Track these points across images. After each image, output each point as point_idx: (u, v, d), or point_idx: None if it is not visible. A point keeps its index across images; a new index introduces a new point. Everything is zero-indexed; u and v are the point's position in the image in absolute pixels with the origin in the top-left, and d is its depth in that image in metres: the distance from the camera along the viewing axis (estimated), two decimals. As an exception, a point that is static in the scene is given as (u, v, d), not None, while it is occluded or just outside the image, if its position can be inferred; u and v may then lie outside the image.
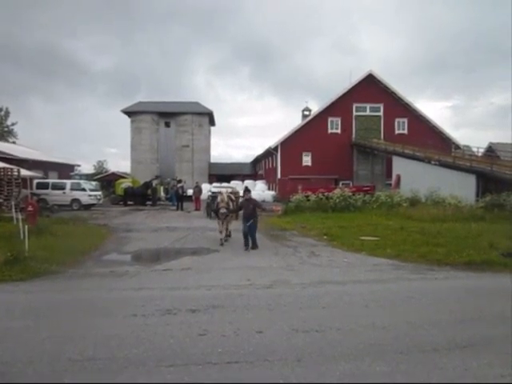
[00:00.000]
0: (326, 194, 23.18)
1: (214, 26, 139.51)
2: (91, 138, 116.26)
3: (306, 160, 37.59)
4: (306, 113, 43.43)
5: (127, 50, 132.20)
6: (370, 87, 37.45)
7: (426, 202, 22.20)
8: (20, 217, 11.80)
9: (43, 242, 10.89)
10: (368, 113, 38.08)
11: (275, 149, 37.82)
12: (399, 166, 30.71)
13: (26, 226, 9.90)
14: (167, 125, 48.43)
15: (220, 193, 13.95)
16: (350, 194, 23.22)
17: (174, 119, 48.02)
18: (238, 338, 4.67)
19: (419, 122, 37.60)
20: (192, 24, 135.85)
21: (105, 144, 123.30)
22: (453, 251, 10.20)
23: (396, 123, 38.10)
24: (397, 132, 37.79)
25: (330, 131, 37.83)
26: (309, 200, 23.08)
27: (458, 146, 36.93)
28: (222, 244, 12.28)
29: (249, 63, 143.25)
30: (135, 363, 3.96)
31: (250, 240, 11.69)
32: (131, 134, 47.81)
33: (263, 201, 32.15)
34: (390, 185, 31.15)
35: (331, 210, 21.44)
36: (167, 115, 47.95)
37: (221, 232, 12.66)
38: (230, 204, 12.75)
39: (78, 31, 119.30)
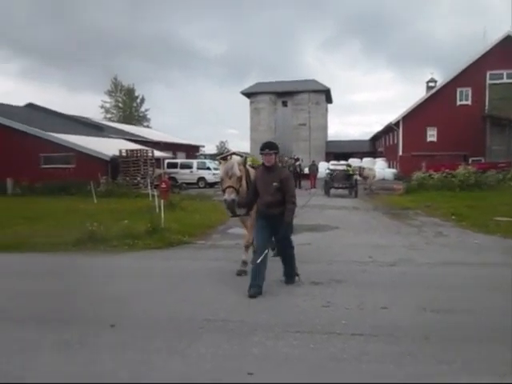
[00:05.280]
0: (450, 171, 21.45)
1: (319, 2, 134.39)
2: (211, 120, 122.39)
3: (431, 135, 35.01)
4: (432, 84, 40.34)
5: (237, 34, 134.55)
6: (508, 51, 33.26)
7: None
8: (155, 193, 13.05)
9: (175, 216, 11.91)
10: (505, 80, 33.84)
11: (396, 124, 35.92)
12: (543, 139, 27.09)
13: (162, 201, 10.91)
14: (284, 104, 48.99)
15: (225, 159, 7.06)
16: (479, 171, 21.17)
17: (290, 98, 48.37)
18: (362, 311, 4.67)
19: None
20: (296, 2, 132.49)
21: (224, 125, 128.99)
22: None
23: (540, 91, 33.48)
24: (541, 101, 33.23)
25: (458, 103, 34.62)
26: (432, 178, 21.64)
27: None
28: (240, 274, 6.28)
29: (359, 36, 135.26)
30: (263, 327, 4.20)
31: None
32: (250, 115, 49.43)
33: (383, 179, 30.81)
34: (531, 161, 27.70)
35: (459, 189, 19.85)
36: (284, 94, 48.46)
37: (246, 247, 6.50)
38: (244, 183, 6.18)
39: (190, 19, 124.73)
